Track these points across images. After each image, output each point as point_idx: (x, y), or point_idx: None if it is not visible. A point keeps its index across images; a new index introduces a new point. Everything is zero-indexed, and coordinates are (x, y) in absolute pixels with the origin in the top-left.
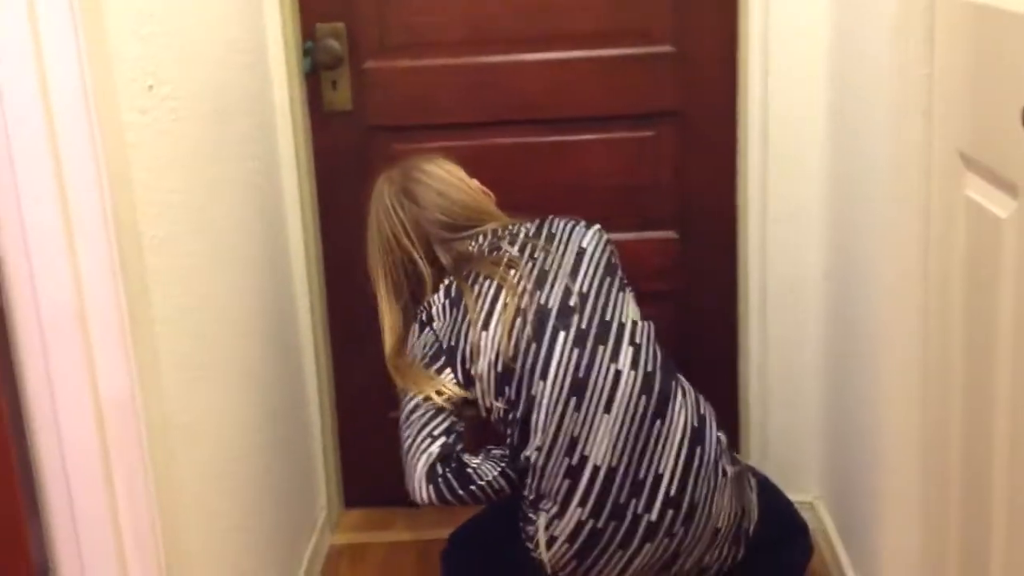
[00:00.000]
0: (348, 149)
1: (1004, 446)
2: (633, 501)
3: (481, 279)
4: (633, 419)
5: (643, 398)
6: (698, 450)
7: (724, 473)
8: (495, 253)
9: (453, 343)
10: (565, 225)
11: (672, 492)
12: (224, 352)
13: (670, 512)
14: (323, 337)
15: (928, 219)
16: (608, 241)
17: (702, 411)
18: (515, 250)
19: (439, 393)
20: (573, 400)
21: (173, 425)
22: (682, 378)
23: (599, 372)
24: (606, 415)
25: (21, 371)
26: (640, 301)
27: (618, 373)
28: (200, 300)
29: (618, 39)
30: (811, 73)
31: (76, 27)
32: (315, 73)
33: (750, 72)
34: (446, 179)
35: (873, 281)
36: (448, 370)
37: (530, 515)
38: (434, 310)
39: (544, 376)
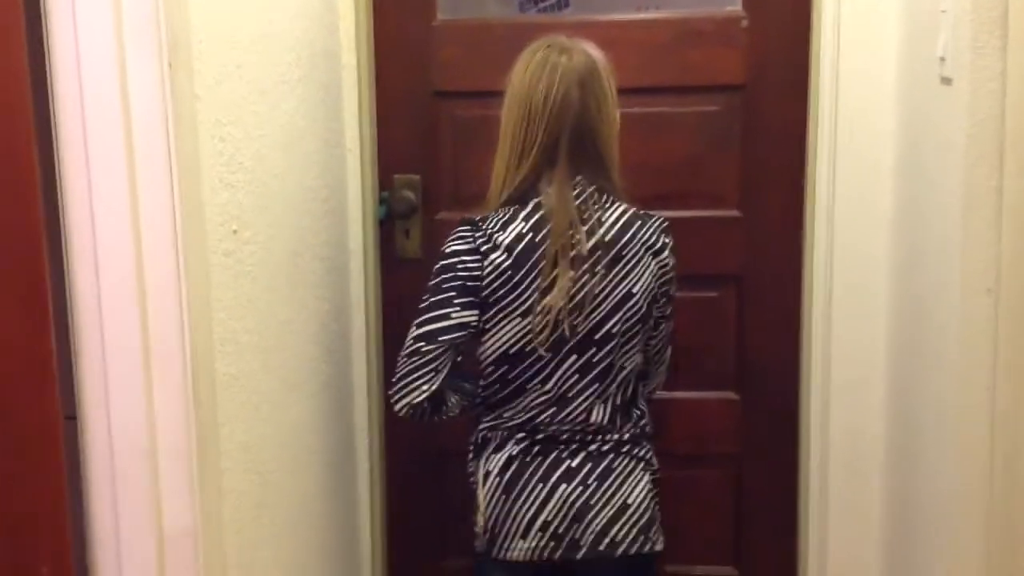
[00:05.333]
0: (417, 296)
1: None
2: (560, 447)
3: (547, 253)
4: (593, 436)
5: (605, 431)
6: (627, 446)
7: (644, 471)
8: (569, 233)
9: (490, 300)
10: (638, 249)
11: (594, 452)
12: (282, 491)
13: (588, 464)
14: (380, 478)
15: (994, 397)
16: (666, 268)
17: (647, 430)
18: (588, 244)
19: (462, 325)
20: (555, 407)
21: (231, 563)
22: (640, 402)
23: (584, 400)
24: (576, 427)
25: (89, 500)
26: (698, 463)
27: (593, 406)
28: (262, 438)
29: (691, 201)
30: (876, 242)
31: (172, 172)
32: (389, 221)
33: (816, 240)
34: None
35: (936, 459)
36: (475, 311)
37: (471, 457)
38: (491, 257)
39: (544, 383)
